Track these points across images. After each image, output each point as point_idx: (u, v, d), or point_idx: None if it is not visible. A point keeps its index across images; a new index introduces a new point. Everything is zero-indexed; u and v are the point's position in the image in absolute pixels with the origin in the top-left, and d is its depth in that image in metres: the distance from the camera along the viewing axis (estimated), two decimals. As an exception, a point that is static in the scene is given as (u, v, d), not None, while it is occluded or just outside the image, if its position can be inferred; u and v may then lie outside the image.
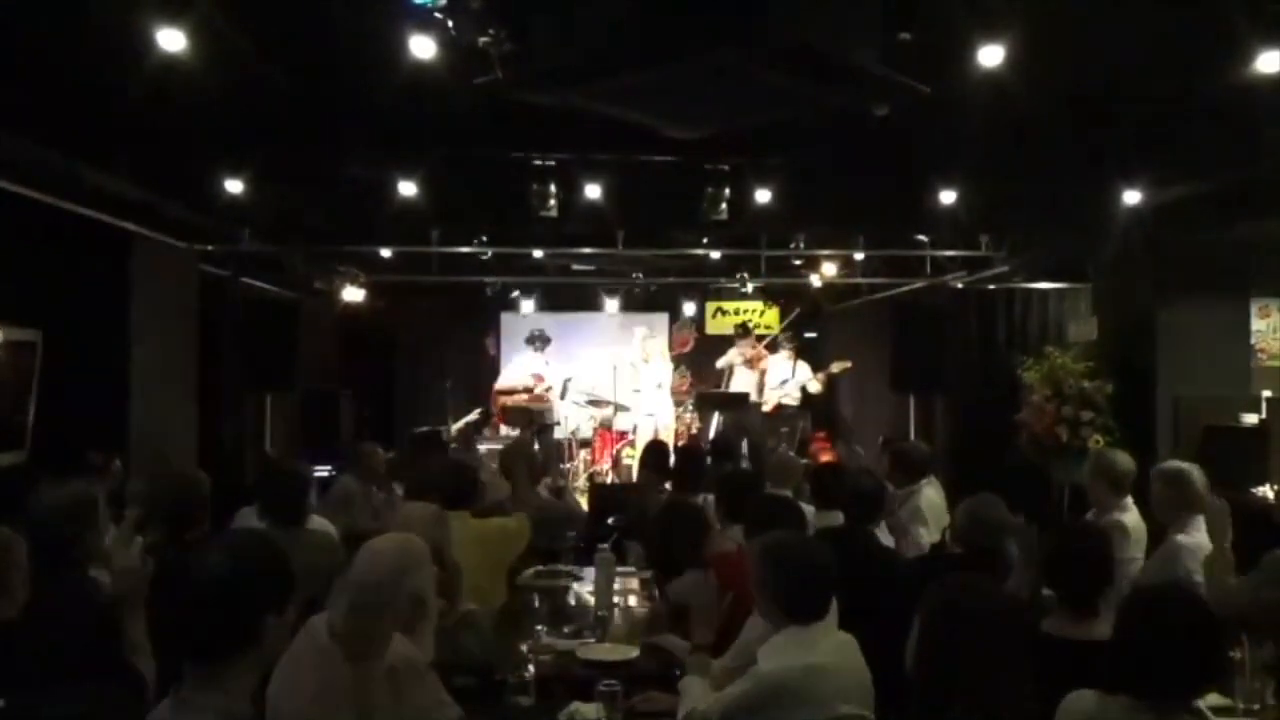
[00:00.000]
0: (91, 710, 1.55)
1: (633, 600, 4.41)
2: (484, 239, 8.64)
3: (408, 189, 6.20)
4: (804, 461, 7.15)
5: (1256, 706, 2.85)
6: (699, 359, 12.23)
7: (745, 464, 7.96)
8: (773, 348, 10.83)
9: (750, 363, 10.61)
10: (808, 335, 11.82)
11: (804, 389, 10.39)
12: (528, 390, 10.20)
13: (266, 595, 1.93)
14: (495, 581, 4.10)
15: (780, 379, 10.44)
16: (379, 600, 2.49)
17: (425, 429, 10.38)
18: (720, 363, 10.88)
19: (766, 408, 10.31)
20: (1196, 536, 3.94)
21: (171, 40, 3.79)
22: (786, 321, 11.42)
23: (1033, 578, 3.48)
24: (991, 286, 8.39)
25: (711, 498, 4.84)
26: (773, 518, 3.59)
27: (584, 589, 4.43)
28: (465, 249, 8.64)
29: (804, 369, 10.46)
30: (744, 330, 10.97)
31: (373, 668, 2.40)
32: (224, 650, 1.88)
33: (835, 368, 10.37)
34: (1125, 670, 2.23)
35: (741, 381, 10.63)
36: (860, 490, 4.39)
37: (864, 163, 6.14)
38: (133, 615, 2.85)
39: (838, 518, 4.42)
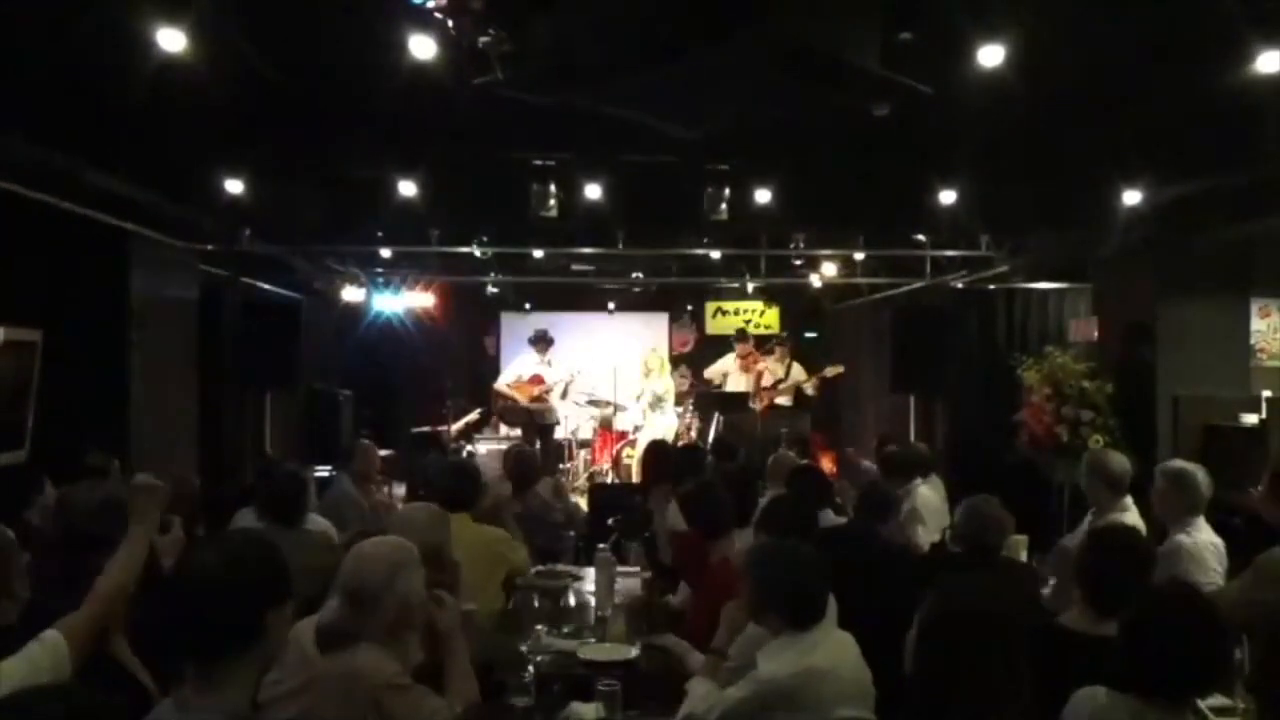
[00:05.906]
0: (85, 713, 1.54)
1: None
2: (484, 239, 8.64)
3: (408, 189, 6.19)
4: (804, 463, 7.14)
5: (1256, 706, 2.85)
6: (699, 359, 12.23)
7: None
8: (767, 349, 10.83)
9: (746, 366, 10.61)
10: (808, 335, 11.81)
11: (798, 390, 10.39)
12: (530, 397, 10.18)
13: (262, 593, 1.95)
14: (493, 584, 4.10)
15: (774, 380, 10.45)
16: (365, 603, 2.48)
17: (425, 429, 10.39)
18: (709, 372, 10.89)
19: (758, 406, 10.33)
20: (1197, 537, 3.94)
21: (171, 40, 3.80)
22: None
23: None
24: (991, 286, 8.39)
25: None
26: (783, 520, 3.59)
27: (584, 589, 4.43)
28: (465, 249, 8.65)
29: (798, 371, 10.47)
30: (742, 335, 10.96)
31: (343, 659, 2.41)
32: (222, 650, 1.89)
33: (829, 372, 10.36)
34: (1134, 669, 2.23)
35: (737, 386, 10.63)
36: (875, 492, 4.51)
37: (864, 163, 6.13)
38: None
39: (827, 516, 4.47)
